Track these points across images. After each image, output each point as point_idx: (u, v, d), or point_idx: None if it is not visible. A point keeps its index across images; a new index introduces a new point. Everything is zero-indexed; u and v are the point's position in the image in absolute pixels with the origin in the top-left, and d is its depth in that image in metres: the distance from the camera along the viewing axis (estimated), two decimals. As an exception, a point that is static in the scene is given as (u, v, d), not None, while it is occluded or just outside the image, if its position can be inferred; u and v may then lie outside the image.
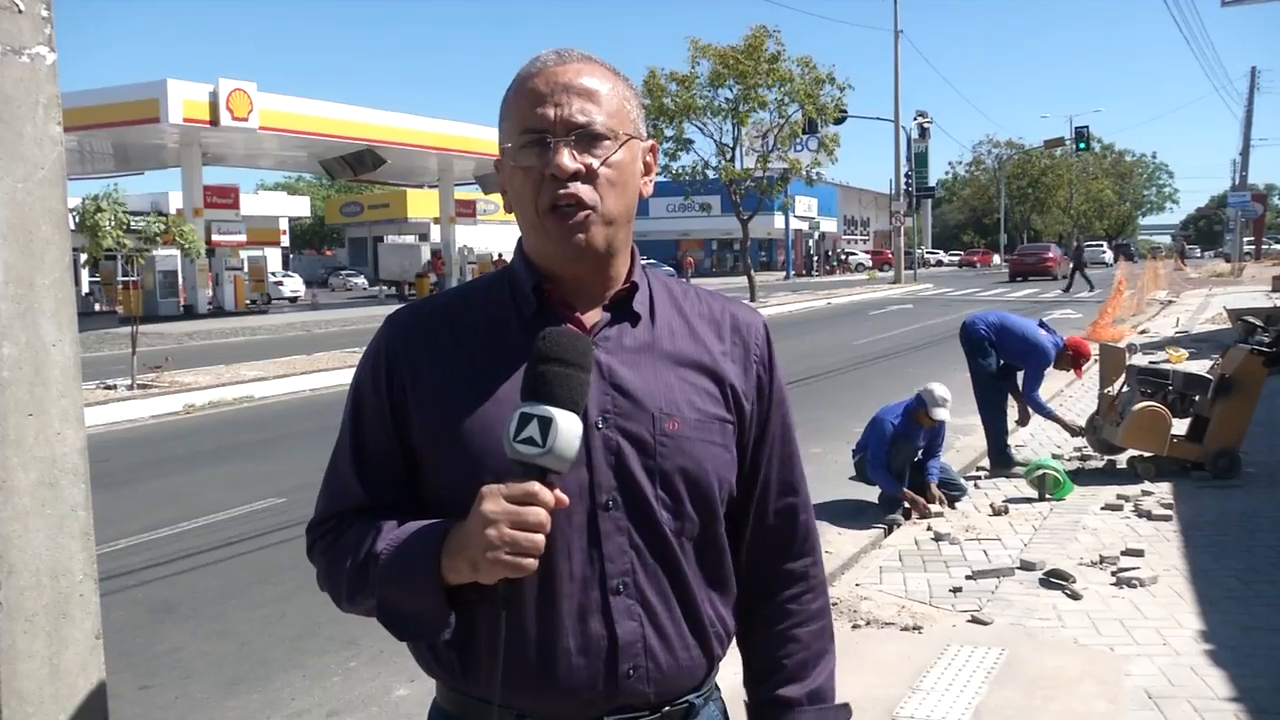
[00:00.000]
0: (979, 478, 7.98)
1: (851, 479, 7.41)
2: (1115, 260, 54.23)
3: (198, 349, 20.88)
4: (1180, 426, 7.98)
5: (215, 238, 31.44)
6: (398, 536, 1.35)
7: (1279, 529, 6.30)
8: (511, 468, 1.25)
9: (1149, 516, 6.65)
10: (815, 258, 66.07)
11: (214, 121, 28.26)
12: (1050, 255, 45.00)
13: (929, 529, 6.55)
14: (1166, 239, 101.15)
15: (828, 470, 8.23)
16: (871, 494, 7.20)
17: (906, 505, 6.83)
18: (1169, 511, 6.72)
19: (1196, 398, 7.88)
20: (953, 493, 7.13)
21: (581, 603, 1.36)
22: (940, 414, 6.81)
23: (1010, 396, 8.33)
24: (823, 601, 1.60)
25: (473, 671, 1.39)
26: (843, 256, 70.16)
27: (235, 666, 4.81)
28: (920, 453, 7.08)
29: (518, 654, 1.35)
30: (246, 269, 33.68)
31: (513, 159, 1.39)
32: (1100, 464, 8.17)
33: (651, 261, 45.05)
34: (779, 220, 56.48)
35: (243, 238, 34.21)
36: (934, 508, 6.90)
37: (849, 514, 6.98)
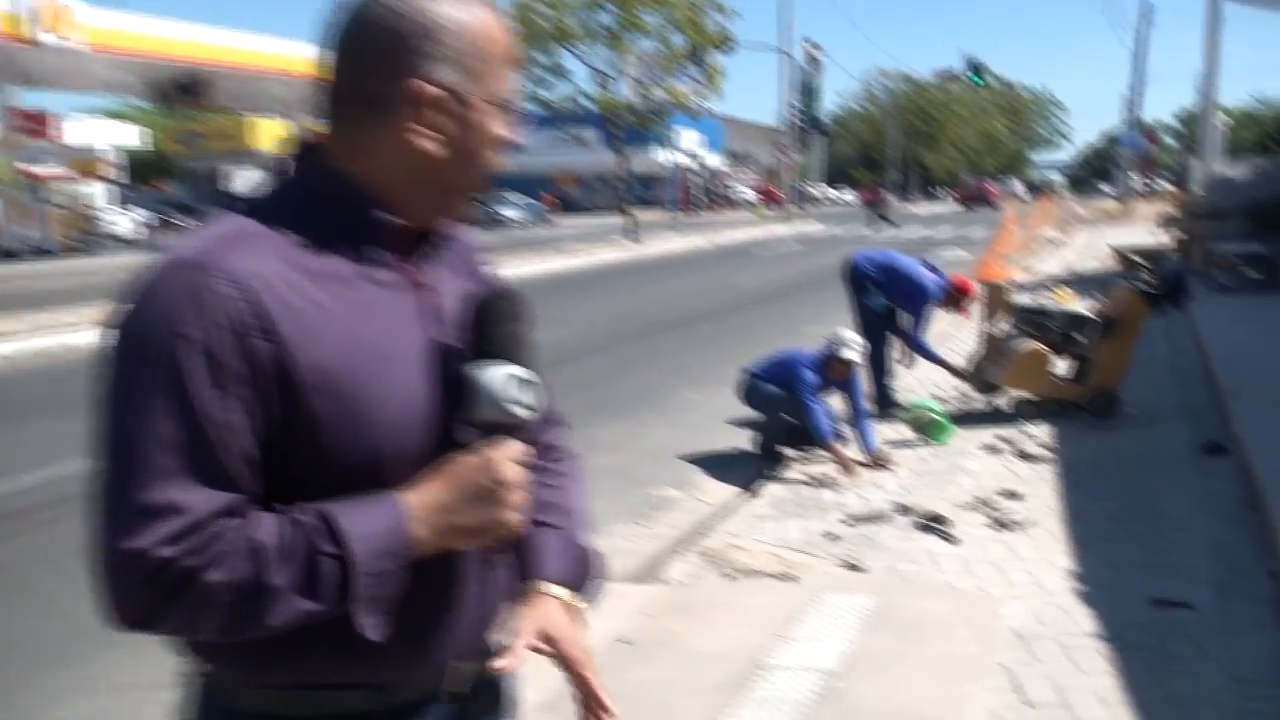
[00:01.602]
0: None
1: (729, 421, 7.55)
2: (1033, 197, 58.16)
3: (12, 294, 19.93)
4: (1064, 367, 8.33)
5: (27, 168, 29.99)
6: (356, 530, 1.24)
7: (1154, 468, 6.67)
8: (418, 433, 1.32)
9: (1028, 458, 6.95)
10: (700, 195, 66.36)
11: (26, 39, 26.77)
12: (988, 186, 66.48)
13: (806, 475, 6.72)
14: (1058, 176, 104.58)
15: (704, 418, 8.37)
16: (747, 441, 7.33)
17: (835, 460, 6.73)
18: (1048, 453, 7.04)
19: (1079, 337, 8.21)
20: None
21: (464, 571, 1.41)
22: (849, 354, 6.93)
23: (894, 338, 8.57)
24: (573, 469, 1.68)
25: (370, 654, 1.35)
26: (729, 194, 70.65)
27: (54, 643, 4.67)
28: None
29: (417, 621, 1.37)
30: (69, 204, 32.14)
31: (489, 120, 1.40)
32: (982, 405, 8.48)
33: (521, 199, 44.29)
34: (661, 155, 56.47)
35: (61, 169, 32.70)
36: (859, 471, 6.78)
37: (724, 463, 7.13)
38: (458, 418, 1.35)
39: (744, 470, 6.94)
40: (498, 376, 1.33)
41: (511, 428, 1.34)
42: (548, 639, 1.46)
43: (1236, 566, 5.00)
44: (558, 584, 1.52)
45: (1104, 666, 4.02)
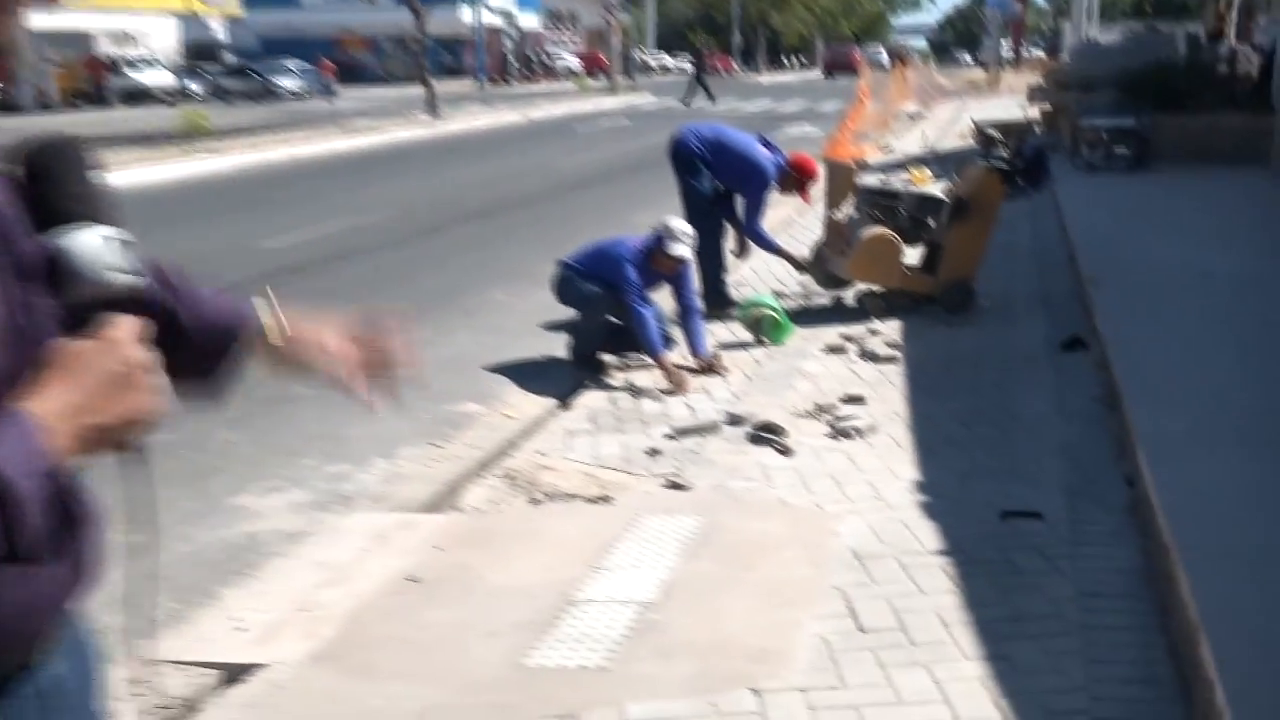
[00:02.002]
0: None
1: (542, 325, 7.54)
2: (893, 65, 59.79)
3: None
4: (915, 256, 8.57)
5: None
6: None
7: (1009, 366, 6.98)
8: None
9: (874, 358, 7.18)
10: (515, 63, 65.47)
11: None
12: (854, 54, 67.89)
13: (627, 383, 6.79)
14: (922, 42, 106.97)
15: (514, 321, 8.34)
16: (562, 348, 7.34)
17: (664, 374, 6.74)
18: (895, 352, 7.28)
19: (930, 222, 8.43)
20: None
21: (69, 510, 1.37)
22: (679, 250, 6.92)
23: (727, 225, 8.65)
24: None
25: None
26: (549, 61, 69.92)
27: None
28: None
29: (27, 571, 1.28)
30: None
31: None
32: (825, 301, 8.69)
33: (298, 66, 42.69)
34: (467, 14, 55.31)
35: None
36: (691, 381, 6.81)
37: (534, 372, 7.14)
38: (48, 306, 1.26)
39: (557, 381, 6.96)
40: (90, 243, 1.25)
41: (118, 299, 1.27)
42: (350, 343, 1.74)
43: (1091, 471, 5.29)
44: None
45: (946, 585, 4.22)
